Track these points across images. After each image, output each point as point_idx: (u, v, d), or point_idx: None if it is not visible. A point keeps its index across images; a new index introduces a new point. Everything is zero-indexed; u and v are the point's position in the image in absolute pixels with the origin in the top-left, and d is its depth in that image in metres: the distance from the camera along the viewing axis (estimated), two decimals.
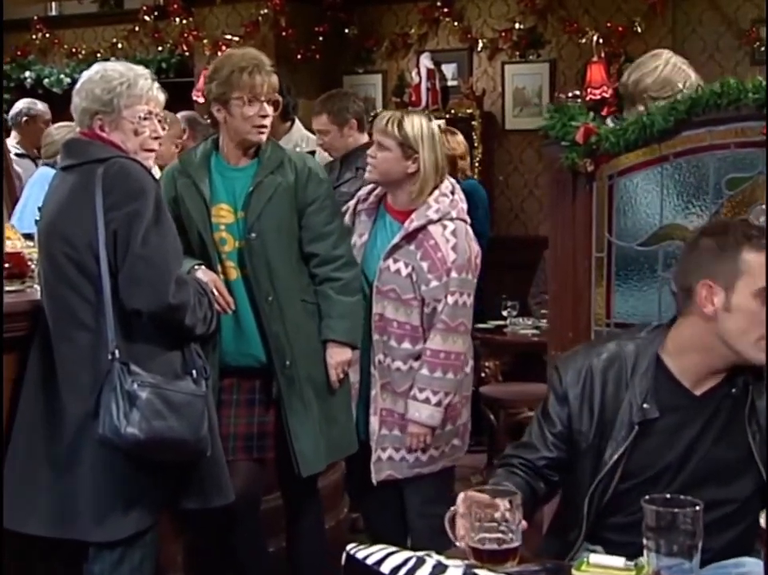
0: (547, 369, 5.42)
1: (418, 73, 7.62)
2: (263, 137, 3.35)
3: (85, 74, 3.03)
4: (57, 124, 5.57)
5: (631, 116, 3.34)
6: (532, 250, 6.61)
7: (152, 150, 3.05)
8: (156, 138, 3.03)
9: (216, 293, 3.17)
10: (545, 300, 6.22)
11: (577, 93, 2.96)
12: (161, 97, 3.05)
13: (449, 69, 7.78)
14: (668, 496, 1.95)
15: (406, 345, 3.47)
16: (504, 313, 5.85)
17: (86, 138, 3.01)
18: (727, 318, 2.23)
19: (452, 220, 3.48)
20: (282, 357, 3.31)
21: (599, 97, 6.38)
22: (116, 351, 2.81)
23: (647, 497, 1.94)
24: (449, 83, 7.78)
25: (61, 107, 6.41)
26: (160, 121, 3.04)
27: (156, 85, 3.05)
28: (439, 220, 3.46)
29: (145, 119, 2.99)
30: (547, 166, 3.12)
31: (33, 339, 2.99)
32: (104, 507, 2.89)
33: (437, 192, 3.50)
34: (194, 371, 2.96)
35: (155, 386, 2.82)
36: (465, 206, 3.57)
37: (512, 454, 2.44)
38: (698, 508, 1.90)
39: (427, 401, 3.44)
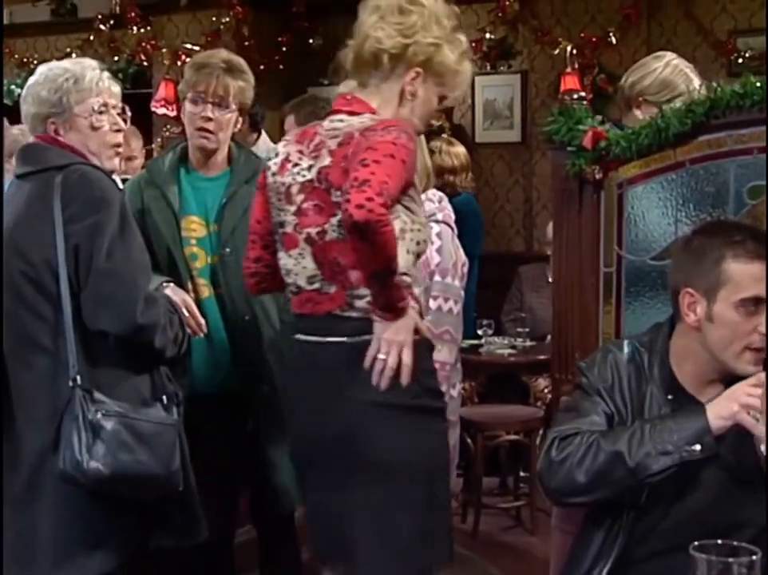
0: (531, 392, 5.35)
1: None
2: (207, 143, 3.16)
3: (30, 79, 2.83)
4: None
5: (628, 122, 3.20)
6: (505, 266, 6.50)
7: (117, 145, 2.83)
8: (118, 131, 2.82)
9: (187, 314, 2.96)
10: (520, 318, 6.11)
11: (582, 94, 2.75)
12: (115, 87, 2.85)
13: None
14: (719, 541, 1.72)
15: None
16: (480, 332, 5.67)
17: (43, 143, 2.80)
18: (710, 328, 2.21)
19: (437, 222, 3.35)
20: (259, 382, 3.12)
21: None
22: (78, 377, 2.63)
23: (695, 543, 1.71)
24: None
25: (12, 120, 6.16)
26: (120, 114, 2.83)
27: (107, 74, 2.85)
28: None
29: (101, 112, 2.79)
30: (552, 173, 2.94)
31: None
32: (65, 547, 2.70)
33: (422, 197, 3.34)
34: (164, 397, 2.77)
35: (121, 415, 2.64)
36: (452, 215, 3.44)
37: (573, 426, 2.26)
38: (755, 557, 1.68)
39: None
